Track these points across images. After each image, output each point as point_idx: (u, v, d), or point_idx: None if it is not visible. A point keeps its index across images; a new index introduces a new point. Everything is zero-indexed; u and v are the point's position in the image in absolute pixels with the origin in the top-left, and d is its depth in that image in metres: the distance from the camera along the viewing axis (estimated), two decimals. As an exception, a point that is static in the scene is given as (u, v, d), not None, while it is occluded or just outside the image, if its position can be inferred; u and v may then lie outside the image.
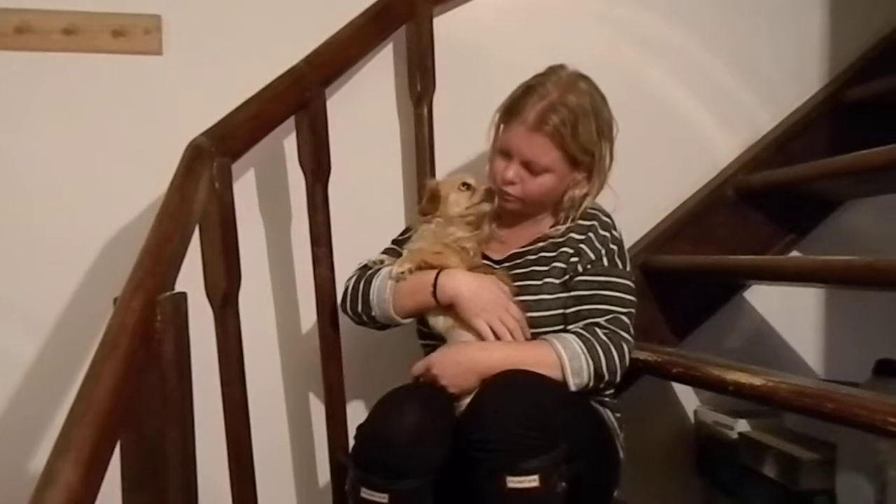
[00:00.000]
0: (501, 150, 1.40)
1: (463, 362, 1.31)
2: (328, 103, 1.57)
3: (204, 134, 1.34)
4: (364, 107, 1.75)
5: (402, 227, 1.64)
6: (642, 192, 1.88)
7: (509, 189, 1.40)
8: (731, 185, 1.93)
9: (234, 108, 1.43)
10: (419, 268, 1.37)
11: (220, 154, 1.33)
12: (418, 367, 1.37)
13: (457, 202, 1.41)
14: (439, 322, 1.38)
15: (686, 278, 1.88)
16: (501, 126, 1.41)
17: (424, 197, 1.45)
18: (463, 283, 1.34)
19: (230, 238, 1.34)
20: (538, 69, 1.43)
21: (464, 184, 1.42)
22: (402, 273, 1.36)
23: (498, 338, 1.32)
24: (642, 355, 1.50)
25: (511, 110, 1.38)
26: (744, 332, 1.98)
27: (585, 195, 1.42)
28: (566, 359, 1.29)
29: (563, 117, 1.32)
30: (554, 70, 1.39)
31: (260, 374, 1.52)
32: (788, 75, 2.01)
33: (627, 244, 1.48)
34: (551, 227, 1.46)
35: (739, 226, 1.91)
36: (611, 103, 1.41)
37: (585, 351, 1.30)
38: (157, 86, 1.66)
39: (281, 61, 1.52)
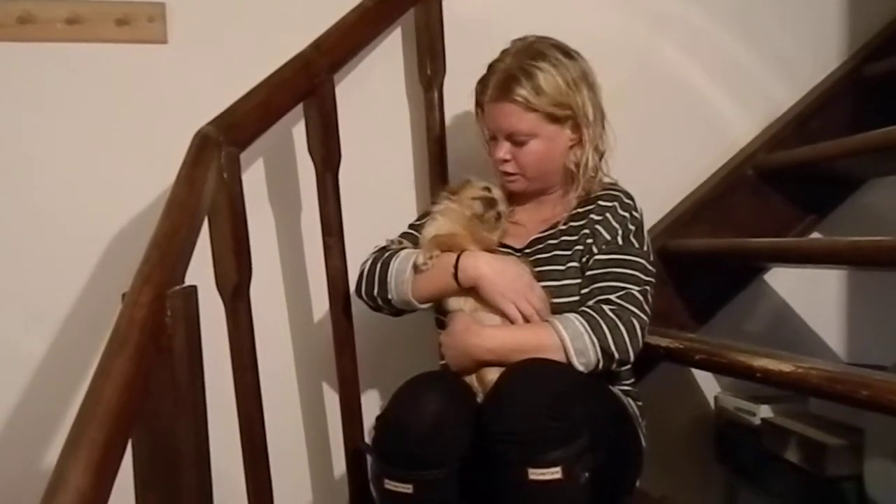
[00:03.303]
0: (488, 136, 1.43)
1: (459, 347, 1.31)
2: (336, 89, 1.54)
3: (211, 123, 1.31)
4: (373, 92, 1.72)
5: (415, 214, 1.61)
6: (658, 175, 1.85)
7: (507, 168, 1.40)
8: (751, 164, 1.89)
9: (242, 96, 1.40)
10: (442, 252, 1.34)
11: (228, 143, 1.29)
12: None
13: (470, 206, 1.40)
14: (459, 304, 1.35)
15: (705, 262, 1.85)
16: (480, 113, 1.44)
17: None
18: (486, 264, 1.31)
19: (240, 229, 1.31)
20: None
21: (485, 188, 1.40)
22: (427, 261, 1.33)
23: (526, 320, 1.30)
24: (664, 342, 1.47)
25: (480, 93, 1.42)
26: (765, 315, 1.95)
27: (585, 154, 1.40)
28: (568, 339, 1.26)
29: (522, 79, 1.34)
30: (513, 43, 1.42)
31: (272, 366, 1.50)
32: (806, 51, 1.96)
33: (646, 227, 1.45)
34: (573, 209, 1.42)
35: (759, 207, 1.88)
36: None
37: (589, 330, 1.26)
38: (163, 75, 1.63)
39: (288, 47, 1.49)
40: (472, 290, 1.32)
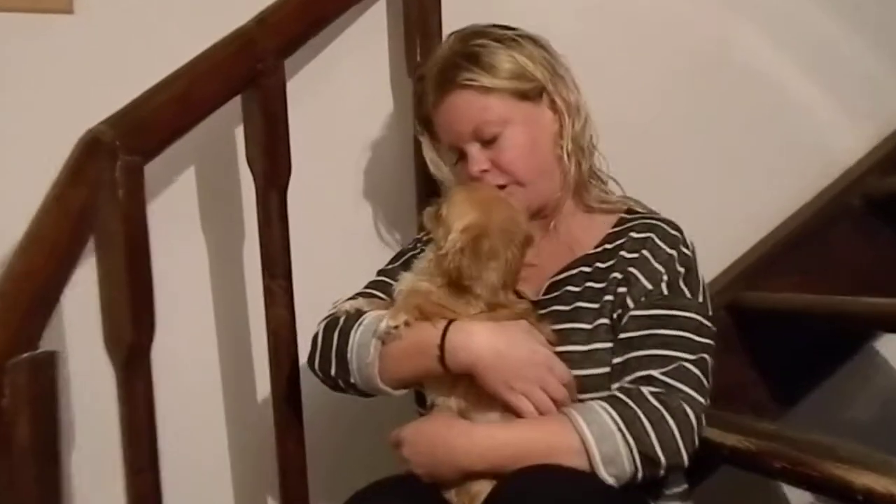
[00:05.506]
0: (451, 152, 1.43)
1: (439, 449, 1.22)
2: (291, 80, 1.52)
3: (106, 121, 1.26)
4: (343, 84, 1.71)
5: (394, 248, 1.62)
6: (731, 204, 1.87)
7: (489, 180, 1.37)
8: (857, 192, 1.91)
9: (154, 84, 1.35)
10: (417, 319, 1.26)
11: (129, 150, 1.24)
12: (391, 437, 1.30)
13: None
14: (441, 401, 1.27)
15: (793, 323, 1.82)
16: (428, 134, 1.47)
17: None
18: (483, 341, 1.21)
19: (140, 268, 1.25)
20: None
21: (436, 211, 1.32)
22: (394, 328, 1.24)
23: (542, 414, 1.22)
24: (729, 439, 1.39)
25: (421, 108, 1.46)
26: (875, 398, 1.95)
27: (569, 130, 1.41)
28: (592, 441, 1.15)
29: (464, 63, 1.37)
30: (439, 46, 1.48)
31: (189, 456, 1.48)
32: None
33: (710, 275, 1.45)
34: (596, 245, 1.35)
35: (868, 248, 1.89)
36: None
37: (623, 427, 1.16)
38: (66, 53, 1.60)
39: (225, 21, 1.45)
40: (463, 377, 1.24)
